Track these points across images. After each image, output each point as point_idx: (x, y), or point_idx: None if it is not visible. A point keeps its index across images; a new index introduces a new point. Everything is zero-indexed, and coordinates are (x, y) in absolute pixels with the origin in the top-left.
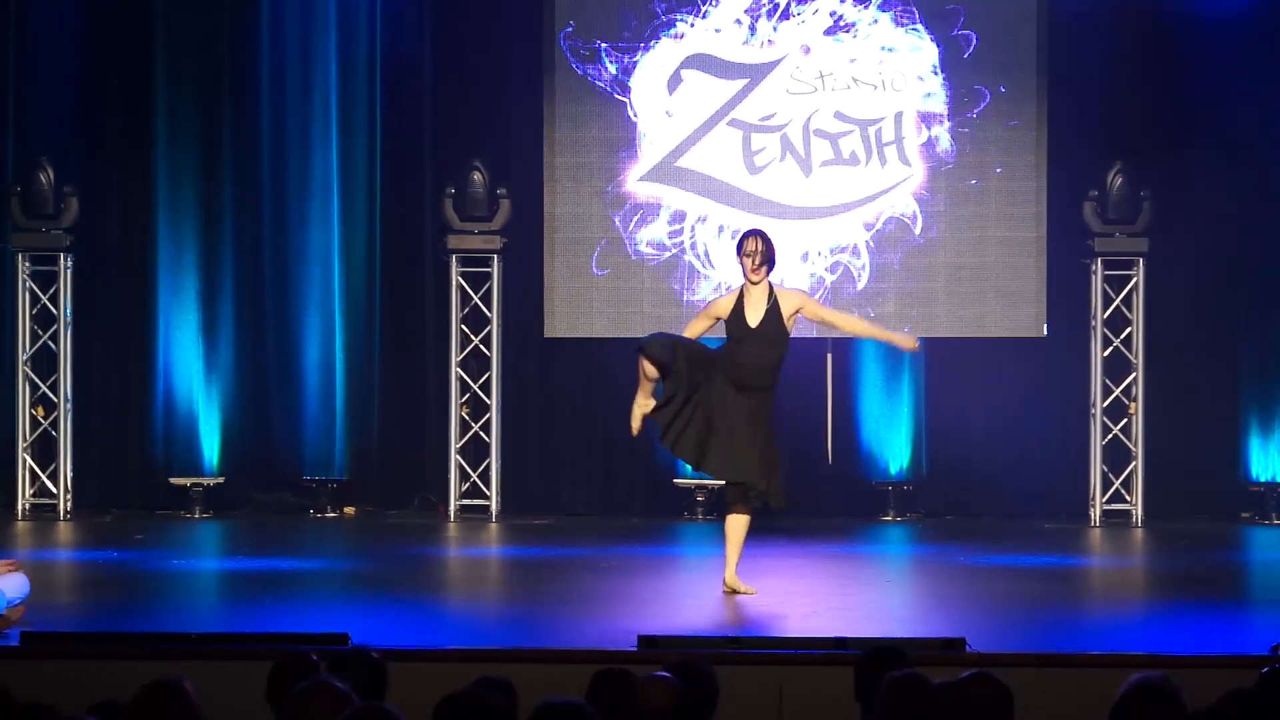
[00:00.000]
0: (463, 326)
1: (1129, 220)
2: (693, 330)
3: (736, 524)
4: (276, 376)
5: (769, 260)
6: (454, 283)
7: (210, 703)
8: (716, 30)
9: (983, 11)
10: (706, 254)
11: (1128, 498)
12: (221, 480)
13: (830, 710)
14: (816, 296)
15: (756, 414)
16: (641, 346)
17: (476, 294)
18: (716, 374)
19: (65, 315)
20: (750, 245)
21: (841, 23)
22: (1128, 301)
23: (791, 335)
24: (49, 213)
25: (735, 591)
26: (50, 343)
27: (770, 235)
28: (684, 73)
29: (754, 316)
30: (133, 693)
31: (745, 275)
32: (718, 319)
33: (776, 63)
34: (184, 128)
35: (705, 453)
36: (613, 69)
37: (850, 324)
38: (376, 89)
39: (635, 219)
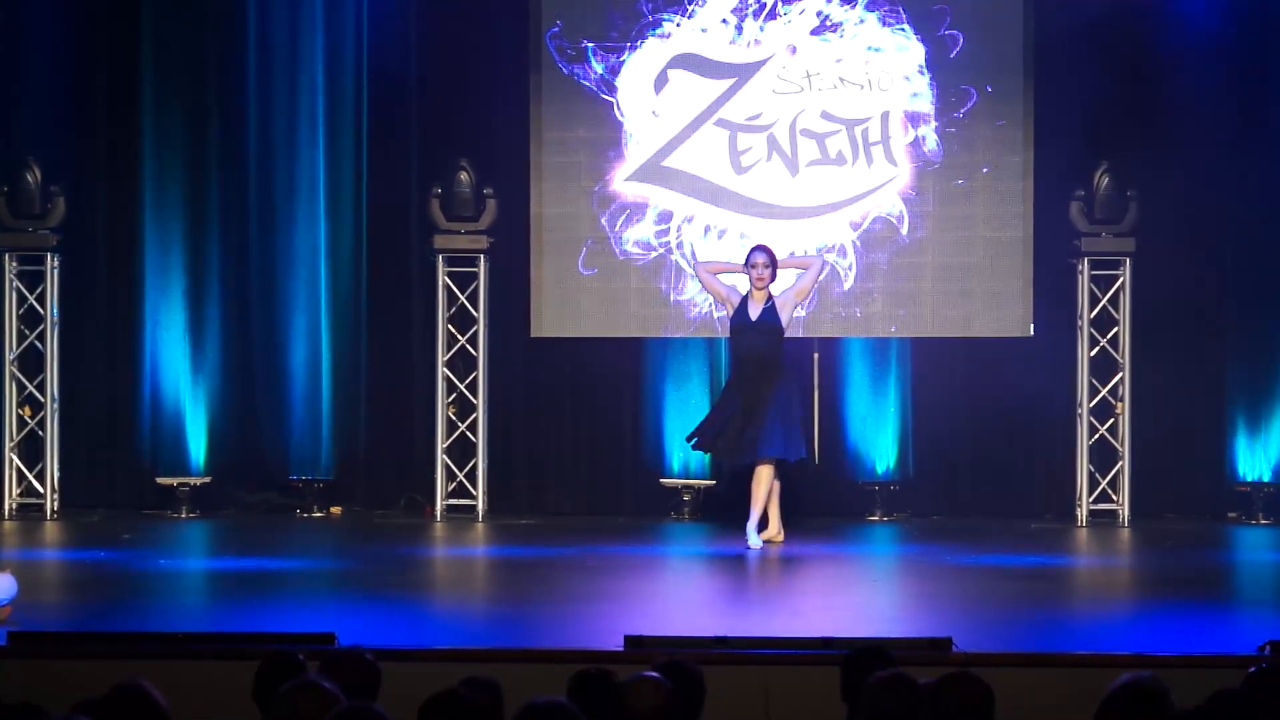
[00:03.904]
0: (449, 326)
1: (1115, 220)
2: (720, 278)
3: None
4: (263, 377)
5: (773, 276)
6: (440, 282)
7: (197, 702)
8: (703, 30)
9: (969, 12)
10: (693, 254)
11: (1114, 497)
12: (208, 480)
13: (817, 710)
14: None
15: (775, 392)
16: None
17: (463, 294)
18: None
19: (52, 315)
20: (758, 259)
21: (828, 23)
22: (1114, 301)
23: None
24: (36, 213)
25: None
26: (37, 342)
27: (772, 250)
28: (671, 72)
29: (754, 311)
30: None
31: (751, 284)
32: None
33: (763, 62)
34: (171, 128)
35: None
36: (599, 68)
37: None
38: (363, 88)
39: (622, 219)
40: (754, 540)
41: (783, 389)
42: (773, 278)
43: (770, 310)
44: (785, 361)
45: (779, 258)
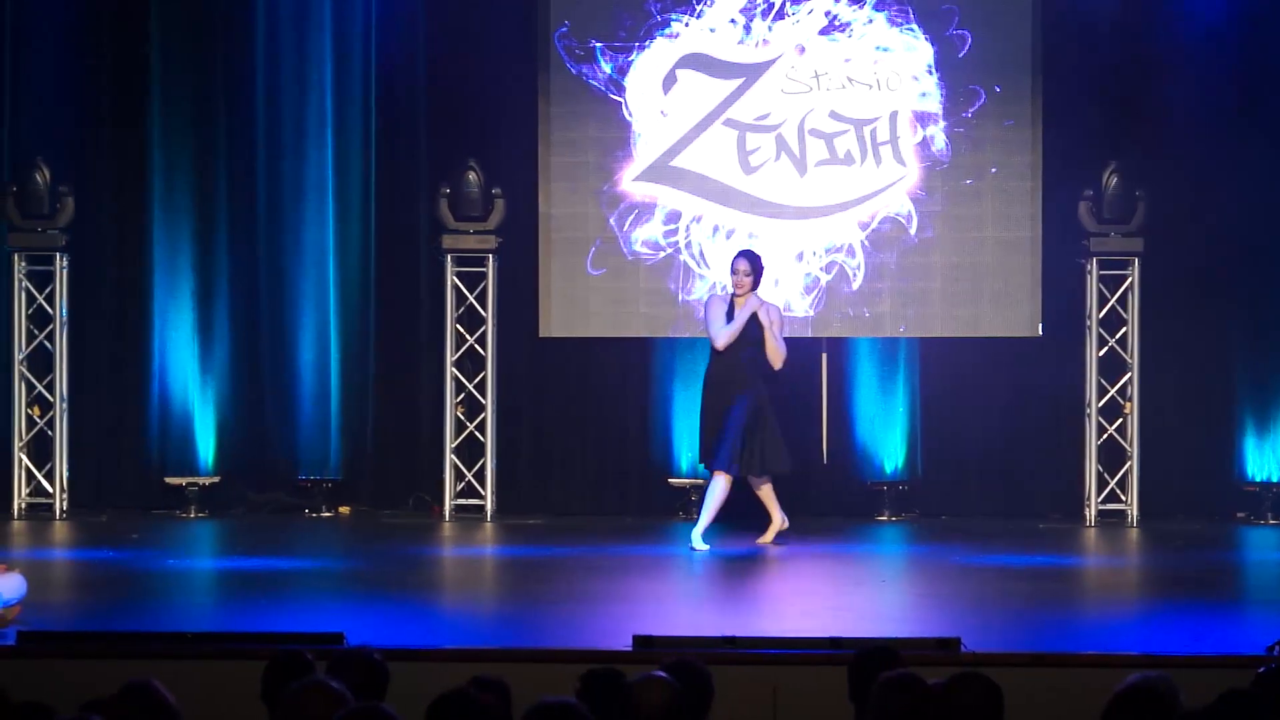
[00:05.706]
0: (458, 326)
1: (1124, 220)
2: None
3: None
4: (271, 376)
5: (756, 282)
6: (449, 282)
7: (205, 702)
8: (711, 30)
9: (978, 11)
10: (702, 254)
11: (1123, 497)
12: (217, 480)
13: (825, 710)
14: (811, 295)
15: (737, 403)
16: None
17: (472, 294)
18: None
19: (61, 315)
20: (740, 265)
21: (836, 22)
22: (1123, 301)
23: (784, 335)
24: (45, 213)
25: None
26: (46, 342)
27: (759, 255)
28: (679, 72)
29: (739, 318)
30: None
31: (733, 289)
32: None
33: (771, 62)
34: (179, 127)
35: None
36: (608, 68)
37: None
38: (371, 88)
39: (630, 219)
40: (698, 544)
41: (747, 399)
42: (755, 285)
43: (753, 319)
44: (757, 373)
45: (772, 286)
